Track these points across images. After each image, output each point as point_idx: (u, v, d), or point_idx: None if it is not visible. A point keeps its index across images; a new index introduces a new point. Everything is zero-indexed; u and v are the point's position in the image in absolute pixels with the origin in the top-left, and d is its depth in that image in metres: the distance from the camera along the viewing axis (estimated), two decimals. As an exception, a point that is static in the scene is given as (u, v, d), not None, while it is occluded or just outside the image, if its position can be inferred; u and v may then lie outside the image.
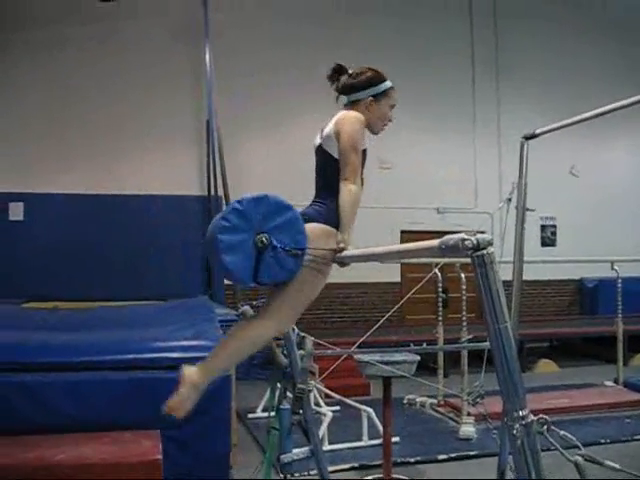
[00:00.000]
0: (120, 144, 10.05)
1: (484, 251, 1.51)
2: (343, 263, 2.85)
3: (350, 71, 3.28)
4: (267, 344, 3.54)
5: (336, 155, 3.00)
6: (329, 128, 3.08)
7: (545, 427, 1.57)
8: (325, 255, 2.80)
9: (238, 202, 2.65)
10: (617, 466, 1.85)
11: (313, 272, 2.80)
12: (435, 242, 1.66)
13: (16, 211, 9.64)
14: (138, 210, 9.95)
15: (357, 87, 3.23)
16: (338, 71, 3.33)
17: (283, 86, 10.64)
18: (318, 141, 3.14)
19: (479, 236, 1.51)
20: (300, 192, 11.53)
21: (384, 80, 3.25)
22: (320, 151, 3.11)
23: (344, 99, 3.27)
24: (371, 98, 3.18)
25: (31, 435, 3.49)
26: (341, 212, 2.87)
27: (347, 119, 3.05)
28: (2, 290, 8.46)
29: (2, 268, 9.19)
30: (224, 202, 10.15)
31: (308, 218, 2.86)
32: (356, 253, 2.77)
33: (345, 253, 2.80)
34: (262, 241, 2.61)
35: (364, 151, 3.07)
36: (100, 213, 9.83)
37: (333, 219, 2.89)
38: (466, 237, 1.53)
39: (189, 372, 2.85)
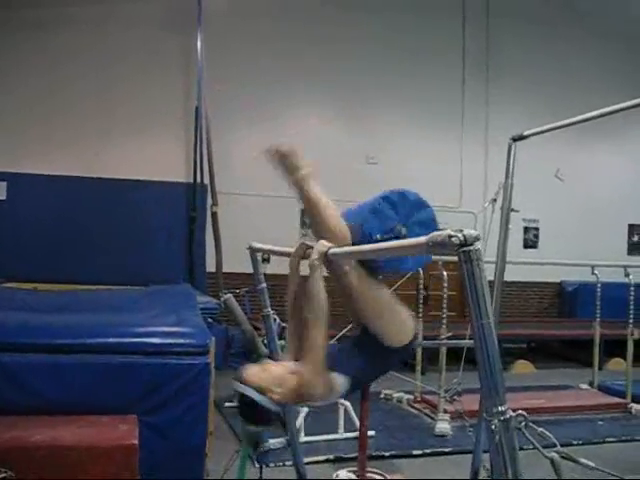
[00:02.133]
0: (108, 128, 9.97)
1: (471, 247, 1.53)
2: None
3: None
4: (249, 334, 3.56)
5: None
6: None
7: (523, 424, 1.59)
8: None
9: (390, 192, 2.82)
10: (592, 464, 1.88)
11: None
12: (422, 239, 1.68)
13: (-1, 190, 9.57)
14: (123, 195, 9.89)
15: None
16: None
17: (273, 76, 10.61)
18: None
19: (466, 232, 1.53)
20: (286, 183, 11.53)
21: None
22: None
23: None
24: None
25: (7, 415, 3.48)
26: None
27: None
28: (-19, 269, 8.41)
29: (-18, 247, 9.12)
30: (209, 190, 10.14)
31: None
32: (345, 251, 2.75)
33: (334, 251, 2.76)
34: (401, 231, 2.78)
35: None
36: (85, 196, 9.76)
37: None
38: (453, 233, 1.55)
39: None
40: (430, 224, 2.80)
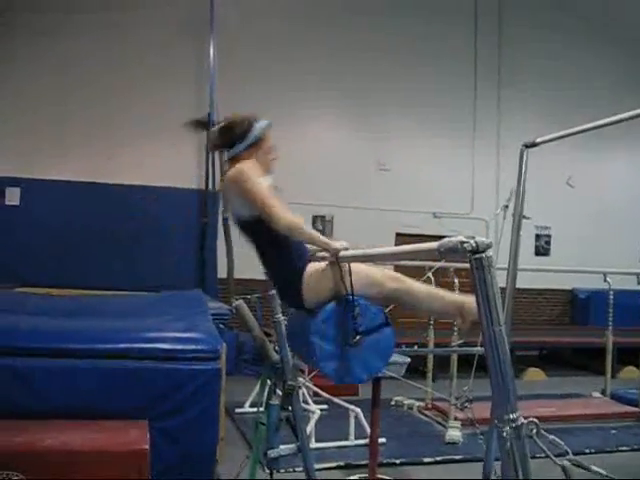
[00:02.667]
0: (120, 134, 10.03)
1: (482, 254, 1.53)
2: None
3: (219, 125, 3.18)
4: (259, 341, 3.56)
5: (255, 212, 2.98)
6: (233, 198, 3.08)
7: (535, 431, 1.58)
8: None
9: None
10: (604, 472, 1.87)
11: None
12: (434, 244, 1.68)
13: (12, 196, 9.62)
14: (135, 201, 9.92)
15: (231, 142, 3.15)
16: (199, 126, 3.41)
17: (284, 83, 10.64)
18: (234, 218, 3.13)
19: (478, 239, 1.53)
20: (298, 189, 11.57)
21: (254, 125, 3.17)
22: (242, 223, 3.10)
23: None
24: (248, 149, 3.14)
25: (19, 420, 3.49)
26: (299, 237, 2.93)
27: (238, 181, 3.02)
28: (-5, 274, 8.46)
29: (-4, 252, 9.18)
30: (221, 197, 10.15)
31: (287, 286, 3.02)
32: (353, 254, 2.78)
33: (344, 253, 2.81)
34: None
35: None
36: (97, 202, 9.81)
37: (295, 264, 2.98)
38: (465, 240, 1.55)
39: None
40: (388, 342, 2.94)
